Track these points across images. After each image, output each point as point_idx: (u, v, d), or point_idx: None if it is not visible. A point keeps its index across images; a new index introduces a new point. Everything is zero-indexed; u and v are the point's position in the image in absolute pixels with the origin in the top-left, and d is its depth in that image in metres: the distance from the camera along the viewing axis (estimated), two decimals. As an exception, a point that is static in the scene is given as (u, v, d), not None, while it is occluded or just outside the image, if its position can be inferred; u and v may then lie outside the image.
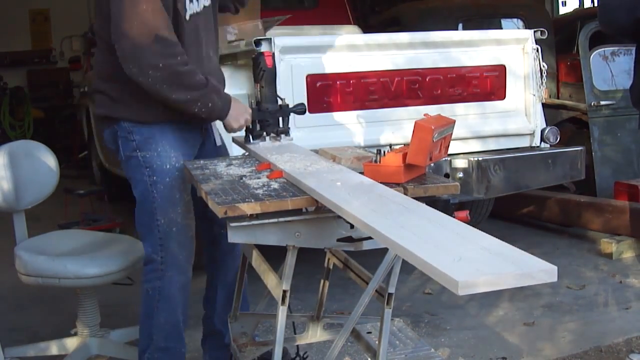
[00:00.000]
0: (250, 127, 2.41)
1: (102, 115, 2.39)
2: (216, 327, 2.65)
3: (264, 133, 2.42)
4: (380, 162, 1.89)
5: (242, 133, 2.46)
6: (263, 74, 2.39)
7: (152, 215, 2.32)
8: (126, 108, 2.30)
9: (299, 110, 2.46)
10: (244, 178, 2.01)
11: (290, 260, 1.85)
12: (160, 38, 2.12)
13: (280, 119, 2.43)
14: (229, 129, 2.38)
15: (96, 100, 2.42)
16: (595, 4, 9.50)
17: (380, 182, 1.84)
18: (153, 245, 2.34)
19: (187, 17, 2.29)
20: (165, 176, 2.30)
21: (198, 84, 2.21)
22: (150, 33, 2.11)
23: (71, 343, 2.83)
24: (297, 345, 2.51)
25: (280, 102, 2.43)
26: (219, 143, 2.60)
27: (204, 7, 2.37)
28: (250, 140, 2.43)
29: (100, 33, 2.30)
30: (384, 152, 1.92)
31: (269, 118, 2.41)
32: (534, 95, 3.79)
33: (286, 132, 2.44)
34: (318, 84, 3.42)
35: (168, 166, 2.31)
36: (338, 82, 3.49)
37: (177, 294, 2.36)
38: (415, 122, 1.88)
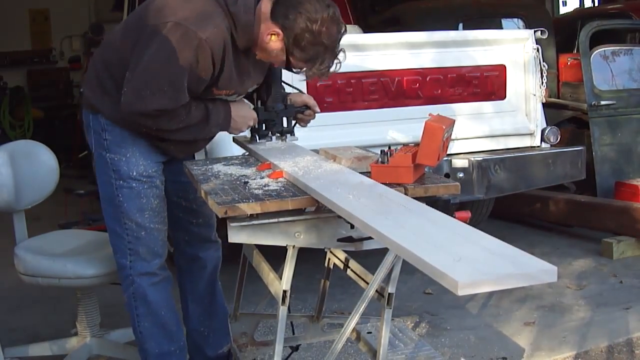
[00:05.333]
0: (257, 127, 2.40)
1: (86, 98, 2.34)
2: (198, 345, 2.58)
3: (270, 133, 2.42)
4: (388, 162, 1.89)
5: (246, 133, 2.46)
6: (269, 72, 2.38)
7: (119, 220, 2.28)
8: (110, 104, 2.22)
9: (303, 111, 2.45)
10: (244, 178, 2.01)
11: (290, 260, 1.85)
12: (155, 115, 2.08)
13: (285, 118, 2.43)
14: (235, 133, 2.38)
15: (87, 79, 2.36)
16: (596, 4, 9.50)
17: (388, 183, 1.83)
18: (122, 251, 2.31)
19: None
20: (131, 182, 2.25)
21: (195, 129, 2.19)
22: (173, 105, 2.07)
23: (71, 343, 2.83)
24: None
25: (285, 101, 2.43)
26: None
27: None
28: (256, 140, 2.42)
29: (120, 39, 2.24)
30: (389, 152, 1.92)
31: (274, 118, 2.40)
32: (535, 95, 3.79)
33: (291, 131, 2.44)
34: (318, 84, 3.41)
35: (135, 173, 2.26)
36: (338, 82, 3.48)
37: (152, 293, 2.31)
38: (426, 123, 1.88)
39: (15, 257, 2.68)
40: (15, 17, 9.81)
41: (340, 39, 2.07)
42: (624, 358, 2.85)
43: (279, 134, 2.42)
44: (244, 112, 2.32)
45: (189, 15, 2.03)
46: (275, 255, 2.12)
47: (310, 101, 2.45)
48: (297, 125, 2.48)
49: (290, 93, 2.46)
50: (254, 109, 2.39)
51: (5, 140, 3.13)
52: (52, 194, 2.94)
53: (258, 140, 2.42)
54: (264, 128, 2.41)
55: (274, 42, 2.05)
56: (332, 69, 2.10)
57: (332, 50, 2.05)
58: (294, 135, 2.45)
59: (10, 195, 2.67)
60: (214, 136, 2.41)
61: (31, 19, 10.30)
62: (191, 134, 2.22)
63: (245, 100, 2.38)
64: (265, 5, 2.07)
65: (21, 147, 2.86)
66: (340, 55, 2.10)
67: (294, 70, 2.14)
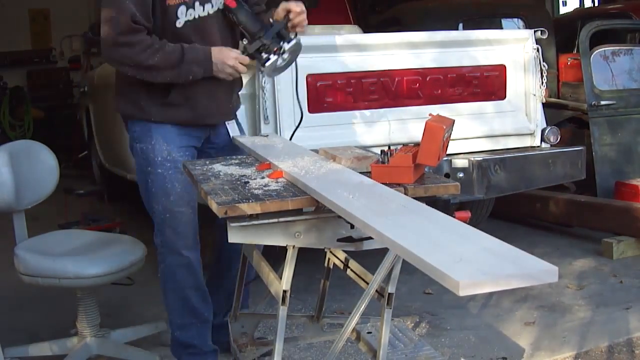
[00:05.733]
0: (256, 58, 2.41)
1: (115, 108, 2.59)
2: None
3: (271, 54, 2.40)
4: (388, 162, 1.89)
5: (244, 130, 2.46)
6: (233, 16, 2.43)
7: (150, 202, 2.52)
8: (128, 105, 2.50)
9: (284, 25, 2.43)
10: (244, 178, 2.01)
11: (290, 260, 1.85)
12: (123, 43, 2.29)
13: (277, 35, 2.41)
14: (223, 77, 2.43)
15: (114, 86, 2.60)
16: (596, 4, 9.51)
17: (388, 183, 1.83)
18: (155, 230, 2.54)
19: (180, 24, 2.39)
20: (157, 167, 2.46)
21: (173, 63, 2.33)
22: (115, 40, 2.30)
23: (71, 343, 2.83)
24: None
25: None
26: (232, 134, 2.65)
27: (209, 13, 2.44)
28: (265, 65, 2.41)
29: None
30: (389, 152, 1.92)
31: (265, 42, 2.40)
32: (535, 95, 3.79)
33: (289, 39, 2.43)
34: (318, 84, 3.41)
35: (160, 159, 2.45)
36: (338, 82, 3.48)
37: (179, 273, 2.52)
38: (426, 123, 1.88)
39: (15, 257, 2.68)
40: (15, 17, 9.83)
41: None
42: (624, 358, 2.85)
43: (278, 51, 2.40)
44: (222, 53, 2.39)
45: None
46: (275, 255, 2.12)
47: (289, 5, 2.45)
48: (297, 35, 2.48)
49: (270, 10, 2.52)
50: (243, 47, 2.43)
51: (5, 140, 3.14)
52: (52, 194, 2.94)
53: (266, 65, 2.39)
54: (264, 55, 2.41)
55: None
56: None
57: None
58: (295, 38, 2.43)
59: (10, 195, 2.67)
60: (235, 92, 2.53)
61: (31, 19, 10.31)
62: (171, 73, 2.34)
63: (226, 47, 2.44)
64: None
65: (21, 147, 2.86)
66: None
67: None
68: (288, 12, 2.45)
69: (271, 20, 2.46)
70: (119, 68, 2.41)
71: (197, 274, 2.56)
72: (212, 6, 2.44)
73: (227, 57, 2.40)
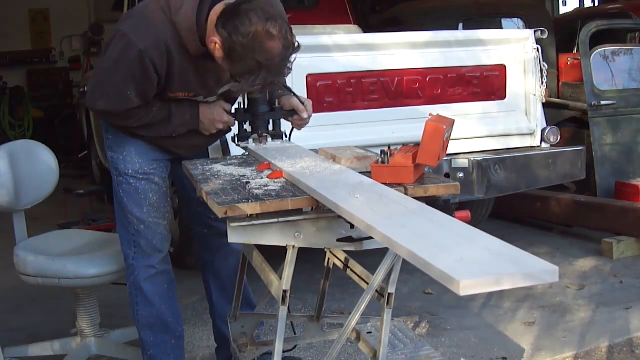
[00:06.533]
0: (239, 129, 2.38)
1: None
2: (224, 335, 2.63)
3: (251, 135, 2.37)
4: (388, 162, 1.89)
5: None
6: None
7: (123, 213, 2.42)
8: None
9: (292, 115, 2.38)
10: (244, 178, 2.01)
11: (290, 260, 1.85)
12: (113, 115, 2.25)
13: (272, 122, 2.38)
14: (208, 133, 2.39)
15: None
16: (596, 4, 9.50)
17: (388, 183, 1.83)
18: (128, 242, 2.43)
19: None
20: (128, 179, 2.38)
21: (158, 123, 2.28)
22: (106, 111, 2.24)
23: (71, 343, 2.83)
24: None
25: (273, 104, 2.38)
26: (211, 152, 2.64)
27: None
28: (235, 142, 2.40)
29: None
30: (389, 152, 1.91)
31: (255, 120, 2.35)
32: (535, 95, 3.79)
33: (280, 135, 2.40)
34: (318, 84, 3.41)
35: (130, 171, 2.37)
36: (338, 82, 3.48)
37: (151, 285, 2.42)
38: (426, 123, 1.87)
39: (15, 257, 2.68)
40: (15, 17, 9.82)
41: (284, 56, 1.99)
42: (624, 358, 2.84)
43: (257, 137, 2.36)
44: (213, 115, 2.33)
45: (136, 24, 2.13)
46: (275, 255, 2.12)
47: (299, 105, 2.37)
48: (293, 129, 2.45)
49: (283, 95, 2.41)
50: (236, 110, 2.37)
51: (5, 140, 3.13)
52: (52, 194, 2.94)
53: (236, 142, 2.39)
54: (245, 131, 2.38)
55: (217, 50, 2.03)
56: (272, 84, 2.09)
57: (269, 68, 1.97)
58: (284, 139, 2.40)
59: (10, 195, 2.67)
60: (216, 139, 2.48)
61: (31, 19, 10.30)
62: (157, 131, 2.31)
63: (224, 103, 2.36)
64: (216, 12, 2.05)
65: (21, 147, 2.86)
66: (285, 71, 2.05)
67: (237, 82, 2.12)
68: (295, 111, 2.38)
69: (276, 102, 2.38)
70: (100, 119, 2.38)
71: (171, 289, 2.47)
72: (216, 98, 2.35)
73: (216, 120, 2.33)
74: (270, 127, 2.39)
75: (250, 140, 2.38)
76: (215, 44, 2.01)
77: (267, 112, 2.36)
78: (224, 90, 2.33)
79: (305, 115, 2.38)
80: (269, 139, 2.38)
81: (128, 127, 2.31)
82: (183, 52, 2.13)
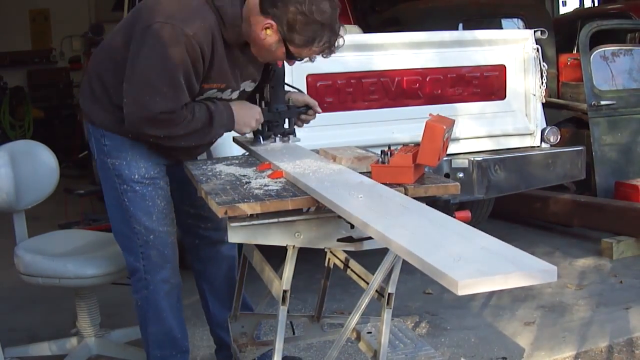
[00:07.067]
0: (260, 128, 2.39)
1: (82, 108, 2.37)
2: (223, 339, 2.63)
3: (272, 134, 2.41)
4: (388, 162, 1.89)
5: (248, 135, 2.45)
6: (273, 74, 2.37)
7: (128, 223, 2.28)
8: (103, 113, 2.24)
9: (305, 111, 2.44)
10: (244, 178, 2.01)
11: (290, 260, 1.85)
12: (163, 120, 2.08)
13: (287, 119, 2.42)
14: (241, 134, 2.37)
15: (81, 89, 2.39)
16: (596, 4, 9.50)
17: (388, 183, 1.83)
18: (135, 254, 2.30)
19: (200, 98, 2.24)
20: (135, 185, 2.25)
21: (199, 129, 2.17)
22: (155, 117, 2.06)
23: (71, 343, 2.83)
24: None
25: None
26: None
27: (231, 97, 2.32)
28: (260, 142, 2.41)
29: (113, 42, 2.23)
30: (389, 152, 1.92)
31: (277, 119, 2.39)
32: (534, 95, 3.79)
33: (292, 132, 2.44)
34: (318, 84, 3.41)
35: (137, 176, 2.25)
36: (338, 82, 3.49)
37: (165, 301, 2.33)
38: (426, 123, 1.88)
39: (15, 257, 2.68)
40: (15, 17, 9.82)
41: (335, 14, 2.03)
42: (624, 358, 2.85)
43: (281, 135, 2.41)
44: (246, 111, 2.30)
45: (175, 12, 2.04)
46: (275, 255, 2.12)
47: (312, 101, 2.45)
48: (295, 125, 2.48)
49: (290, 93, 2.45)
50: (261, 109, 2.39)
51: (5, 140, 3.14)
52: (52, 194, 2.94)
53: (262, 142, 2.41)
54: (267, 129, 2.41)
55: (270, 35, 2.02)
56: (335, 46, 2.08)
57: (330, 26, 2.01)
58: (295, 136, 2.45)
59: (10, 195, 2.67)
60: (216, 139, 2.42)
61: (31, 19, 10.30)
62: (198, 138, 2.21)
63: (246, 102, 2.38)
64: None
65: (21, 147, 2.87)
66: (341, 31, 2.07)
67: (297, 59, 2.12)
68: (307, 106, 2.43)
69: (289, 101, 2.41)
70: (141, 136, 2.16)
71: (180, 302, 2.41)
72: (238, 93, 2.31)
73: (251, 118, 2.30)
74: (286, 125, 2.42)
75: (277, 139, 2.40)
76: (267, 28, 2.01)
77: (286, 110, 2.40)
78: (251, 86, 2.34)
79: (319, 110, 2.45)
80: (277, 138, 2.41)
81: (171, 138, 2.15)
82: (222, 40, 2.10)
